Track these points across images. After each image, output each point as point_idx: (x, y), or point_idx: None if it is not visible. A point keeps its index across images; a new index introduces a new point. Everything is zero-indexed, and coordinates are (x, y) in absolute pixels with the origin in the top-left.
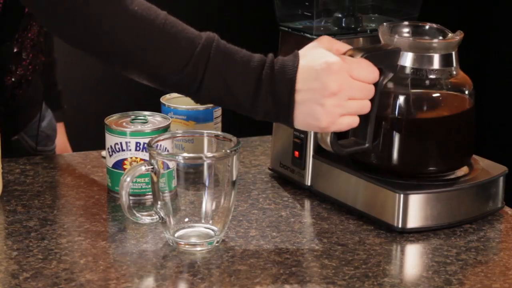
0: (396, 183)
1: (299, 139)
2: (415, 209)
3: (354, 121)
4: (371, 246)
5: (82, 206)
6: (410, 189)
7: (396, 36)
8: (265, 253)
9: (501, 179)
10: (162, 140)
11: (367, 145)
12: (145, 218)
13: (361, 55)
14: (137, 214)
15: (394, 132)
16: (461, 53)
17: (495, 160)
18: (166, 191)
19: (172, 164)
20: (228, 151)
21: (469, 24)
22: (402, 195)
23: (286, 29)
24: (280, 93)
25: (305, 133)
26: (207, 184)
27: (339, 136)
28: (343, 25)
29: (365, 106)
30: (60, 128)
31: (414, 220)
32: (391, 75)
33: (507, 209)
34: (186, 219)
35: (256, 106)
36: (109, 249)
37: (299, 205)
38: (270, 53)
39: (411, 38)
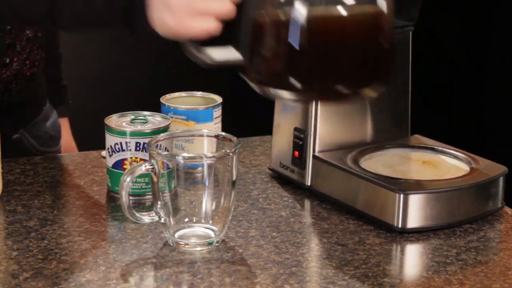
0: (396, 183)
1: (299, 139)
2: (415, 209)
3: (209, 26)
4: (371, 246)
5: (82, 206)
6: (410, 189)
7: None
8: (265, 253)
9: (501, 179)
10: (162, 140)
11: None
12: (145, 218)
13: None
14: (137, 214)
15: (279, 41)
16: (461, 53)
17: (495, 160)
18: (166, 191)
19: (172, 164)
20: (228, 151)
21: (469, 24)
22: (402, 195)
23: None
24: None
25: (305, 133)
26: (207, 184)
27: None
28: None
29: (224, 6)
30: (65, 124)
31: (414, 220)
32: None
33: (507, 209)
34: (186, 219)
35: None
36: (109, 249)
37: (299, 205)
38: None
39: None
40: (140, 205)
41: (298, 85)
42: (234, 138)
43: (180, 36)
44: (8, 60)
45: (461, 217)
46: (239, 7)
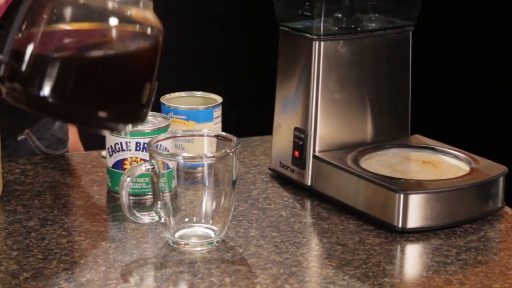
0: (396, 183)
1: (300, 139)
2: (415, 209)
3: None
4: (371, 246)
5: (82, 206)
6: (410, 189)
7: None
8: (265, 253)
9: (501, 179)
10: (162, 140)
11: (1, 56)
12: (145, 218)
13: None
14: (137, 214)
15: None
16: (461, 53)
17: (495, 160)
18: (166, 191)
19: (172, 164)
20: (228, 151)
21: (469, 24)
22: (402, 195)
23: (286, 29)
24: None
25: (305, 133)
26: (207, 184)
27: None
28: (343, 25)
29: None
30: (73, 127)
31: (414, 220)
32: None
33: (507, 209)
34: (186, 219)
35: None
36: (109, 249)
37: (299, 205)
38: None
39: None
40: (140, 205)
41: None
42: (234, 138)
43: None
44: None
45: (461, 217)
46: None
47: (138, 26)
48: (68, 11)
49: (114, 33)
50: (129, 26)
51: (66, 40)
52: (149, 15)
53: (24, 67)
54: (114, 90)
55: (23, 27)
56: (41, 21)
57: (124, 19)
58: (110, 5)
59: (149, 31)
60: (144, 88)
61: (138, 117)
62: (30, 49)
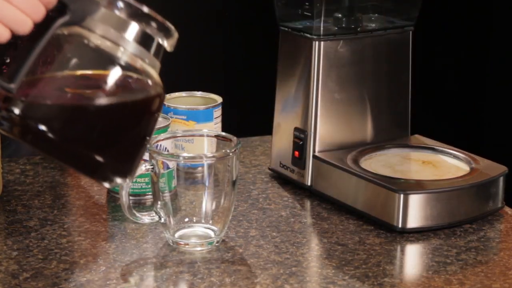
0: (396, 183)
1: (299, 139)
2: (415, 209)
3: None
4: (371, 246)
5: (82, 206)
6: (410, 189)
7: None
8: (265, 253)
9: (501, 179)
10: (162, 140)
11: (12, 85)
12: (145, 218)
13: None
14: (137, 214)
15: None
16: (461, 53)
17: (495, 160)
18: (166, 191)
19: (172, 164)
20: (228, 151)
21: (469, 24)
22: (402, 195)
23: (286, 29)
24: None
25: (305, 133)
26: (207, 184)
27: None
28: (343, 25)
29: (23, 22)
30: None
31: (414, 220)
32: (71, 22)
33: (507, 209)
34: (186, 219)
35: None
36: (109, 249)
37: (299, 205)
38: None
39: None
40: (140, 205)
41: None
42: (234, 138)
43: None
44: (8, 60)
45: (461, 217)
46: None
47: (144, 80)
48: (79, 56)
49: (117, 82)
50: (136, 77)
51: (68, 84)
52: (154, 74)
53: (24, 105)
54: (106, 139)
55: (38, 62)
56: (52, 62)
57: (131, 70)
58: (119, 54)
59: (152, 87)
60: (136, 141)
61: (124, 173)
62: (36, 88)
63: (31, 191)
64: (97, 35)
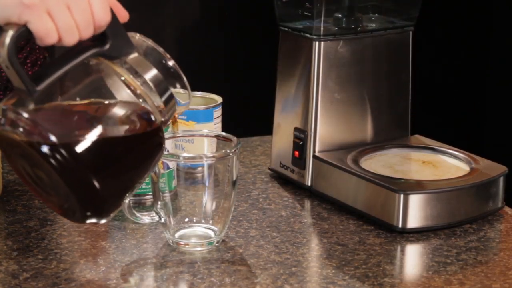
0: (396, 183)
1: (299, 139)
2: (415, 209)
3: (51, 30)
4: (371, 246)
5: None
6: (410, 189)
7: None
8: (265, 253)
9: (501, 179)
10: None
11: (35, 88)
12: (145, 218)
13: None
14: (137, 214)
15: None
16: (461, 53)
17: (495, 160)
18: (166, 191)
19: (172, 164)
20: (228, 151)
21: (469, 24)
22: (402, 195)
23: (286, 29)
24: None
25: (305, 133)
26: (207, 184)
27: None
28: (343, 25)
29: (73, 34)
30: None
31: (414, 220)
32: (106, 54)
33: (507, 209)
34: (186, 219)
35: None
36: (109, 249)
37: (299, 205)
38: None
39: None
40: (140, 205)
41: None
42: (234, 138)
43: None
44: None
45: (461, 217)
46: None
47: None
48: (98, 87)
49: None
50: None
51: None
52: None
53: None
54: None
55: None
56: (71, 85)
57: (144, 118)
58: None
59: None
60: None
61: (99, 211)
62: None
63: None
64: (122, 73)
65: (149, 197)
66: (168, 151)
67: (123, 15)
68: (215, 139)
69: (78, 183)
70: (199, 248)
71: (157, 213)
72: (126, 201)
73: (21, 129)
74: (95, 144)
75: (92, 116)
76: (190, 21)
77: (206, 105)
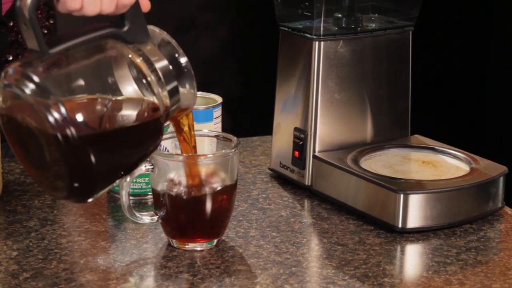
0: (396, 183)
1: (299, 139)
2: (415, 209)
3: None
4: (371, 246)
5: (82, 206)
6: (410, 189)
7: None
8: (265, 253)
9: (501, 179)
10: (162, 140)
11: (49, 50)
12: (145, 218)
13: None
14: (137, 214)
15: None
16: (461, 53)
17: (495, 160)
18: None
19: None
20: (228, 151)
21: (469, 24)
22: (402, 195)
23: (286, 29)
24: None
25: (305, 133)
26: None
27: None
28: (343, 25)
29: (95, 3)
30: None
31: (414, 220)
32: (122, 36)
33: (507, 209)
34: None
35: None
36: (109, 249)
37: (299, 205)
38: (270, 53)
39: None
40: (140, 205)
41: None
42: (234, 138)
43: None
44: (11, 57)
45: (461, 217)
46: None
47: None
48: (108, 67)
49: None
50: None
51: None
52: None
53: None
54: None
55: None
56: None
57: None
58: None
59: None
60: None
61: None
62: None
63: (31, 191)
64: (135, 57)
65: (149, 197)
66: (168, 151)
67: (145, 4)
68: (215, 139)
69: (75, 150)
70: (199, 248)
71: (157, 213)
72: (126, 200)
73: (28, 91)
74: (97, 116)
75: (99, 88)
76: (190, 21)
77: (206, 105)
